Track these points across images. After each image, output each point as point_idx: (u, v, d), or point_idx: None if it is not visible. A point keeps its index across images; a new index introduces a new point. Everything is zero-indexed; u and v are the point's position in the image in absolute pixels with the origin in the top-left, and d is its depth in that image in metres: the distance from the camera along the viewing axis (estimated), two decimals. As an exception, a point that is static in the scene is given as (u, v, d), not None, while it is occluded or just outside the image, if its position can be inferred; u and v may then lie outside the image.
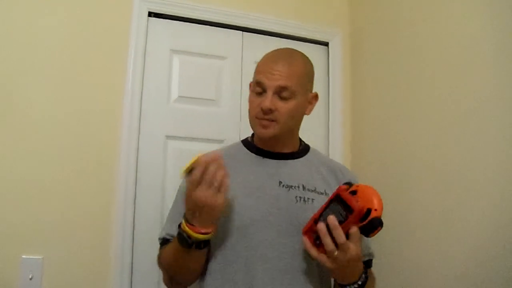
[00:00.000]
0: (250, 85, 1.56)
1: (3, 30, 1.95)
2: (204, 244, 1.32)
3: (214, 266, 1.44)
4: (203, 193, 1.22)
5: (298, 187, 1.49)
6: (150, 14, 2.21)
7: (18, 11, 1.98)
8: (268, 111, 1.42)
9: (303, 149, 1.62)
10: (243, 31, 2.39)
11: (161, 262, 1.52)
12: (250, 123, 1.51)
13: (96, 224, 1.99)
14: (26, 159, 1.93)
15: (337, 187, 1.34)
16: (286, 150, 1.56)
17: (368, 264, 1.54)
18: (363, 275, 1.31)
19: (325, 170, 1.60)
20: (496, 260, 1.56)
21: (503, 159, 1.58)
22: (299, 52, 1.57)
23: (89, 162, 2.01)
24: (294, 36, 2.49)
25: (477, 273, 1.62)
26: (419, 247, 1.92)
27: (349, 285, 1.28)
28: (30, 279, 1.87)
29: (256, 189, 1.47)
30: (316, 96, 1.61)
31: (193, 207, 1.25)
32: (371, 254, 1.57)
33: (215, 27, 2.34)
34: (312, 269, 1.43)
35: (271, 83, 1.43)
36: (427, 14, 1.99)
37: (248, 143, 1.61)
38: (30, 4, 2.00)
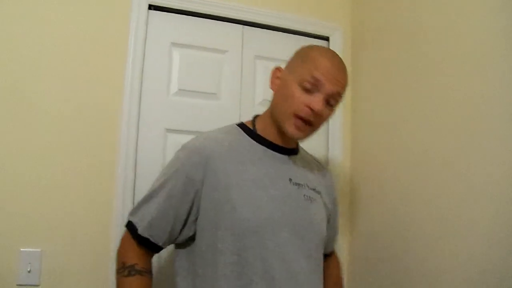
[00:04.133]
0: (277, 71, 1.49)
1: (4, 24, 1.95)
2: None
3: (226, 269, 1.33)
4: None
5: (304, 185, 1.47)
6: (150, 7, 2.20)
7: (19, 4, 1.97)
8: (318, 114, 1.35)
9: (297, 144, 1.59)
10: (243, 24, 2.38)
11: (116, 280, 1.42)
12: (279, 115, 1.42)
13: (95, 216, 1.98)
14: (24, 152, 1.92)
15: (324, 187, 1.54)
16: (290, 145, 1.52)
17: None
18: None
19: (315, 168, 1.63)
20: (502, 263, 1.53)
21: (510, 161, 1.53)
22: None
23: (88, 155, 2.00)
24: (295, 30, 2.48)
25: (482, 278, 1.60)
26: (421, 252, 1.89)
27: None
28: (29, 271, 1.87)
29: (269, 186, 1.39)
30: None
31: None
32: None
33: (216, 21, 2.32)
34: (320, 271, 1.48)
35: (332, 88, 1.36)
36: (429, 9, 1.96)
37: (250, 132, 1.50)
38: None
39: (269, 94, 2.34)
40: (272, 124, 1.47)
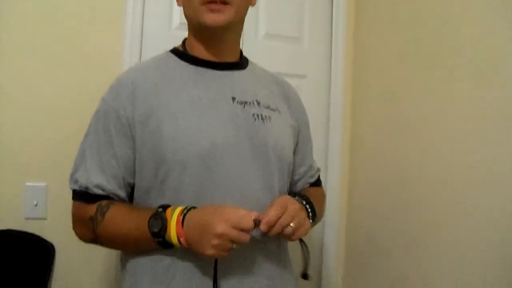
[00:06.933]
0: None
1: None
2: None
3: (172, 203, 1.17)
4: (218, 250, 1.05)
5: (253, 103, 1.29)
6: None
7: None
8: None
9: (245, 59, 1.41)
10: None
11: (101, 233, 1.19)
12: (190, 14, 1.24)
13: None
14: (28, 87, 1.93)
15: (285, 104, 1.37)
16: (230, 59, 1.33)
17: (318, 181, 1.55)
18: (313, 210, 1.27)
19: (272, 84, 1.42)
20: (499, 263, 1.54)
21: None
22: None
23: (91, 92, 1.98)
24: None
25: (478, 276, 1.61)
26: (418, 248, 1.90)
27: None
28: (35, 205, 1.91)
29: (207, 107, 1.22)
30: None
31: (216, 234, 1.03)
32: (318, 169, 1.56)
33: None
34: (275, 195, 1.27)
35: None
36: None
37: (181, 54, 1.31)
38: None
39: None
40: (198, 38, 1.29)
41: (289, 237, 1.14)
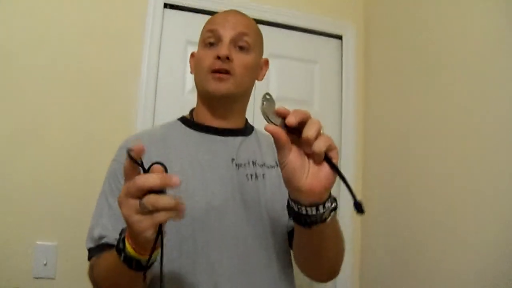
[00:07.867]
0: (191, 55, 1.44)
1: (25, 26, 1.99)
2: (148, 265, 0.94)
3: (168, 265, 1.15)
4: (127, 211, 0.83)
5: (247, 164, 1.33)
6: (166, 5, 2.23)
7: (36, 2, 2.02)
8: (225, 59, 1.27)
9: (250, 127, 1.46)
10: (256, 23, 2.37)
11: (94, 277, 1.13)
12: (199, 83, 1.34)
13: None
14: (40, 147, 1.97)
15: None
16: (233, 125, 1.38)
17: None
18: (334, 198, 0.97)
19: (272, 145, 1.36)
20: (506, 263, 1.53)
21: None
22: None
23: (104, 154, 2.01)
24: (308, 28, 2.50)
25: (487, 277, 1.59)
26: (429, 253, 1.89)
27: (323, 204, 0.92)
28: (45, 264, 1.90)
29: (206, 169, 1.27)
30: (267, 62, 1.47)
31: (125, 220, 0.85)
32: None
33: (230, 19, 2.34)
34: (271, 252, 1.28)
35: (231, 32, 1.31)
36: (443, 8, 1.96)
37: (187, 121, 1.40)
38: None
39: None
40: (204, 104, 1.37)
41: (316, 140, 0.89)
